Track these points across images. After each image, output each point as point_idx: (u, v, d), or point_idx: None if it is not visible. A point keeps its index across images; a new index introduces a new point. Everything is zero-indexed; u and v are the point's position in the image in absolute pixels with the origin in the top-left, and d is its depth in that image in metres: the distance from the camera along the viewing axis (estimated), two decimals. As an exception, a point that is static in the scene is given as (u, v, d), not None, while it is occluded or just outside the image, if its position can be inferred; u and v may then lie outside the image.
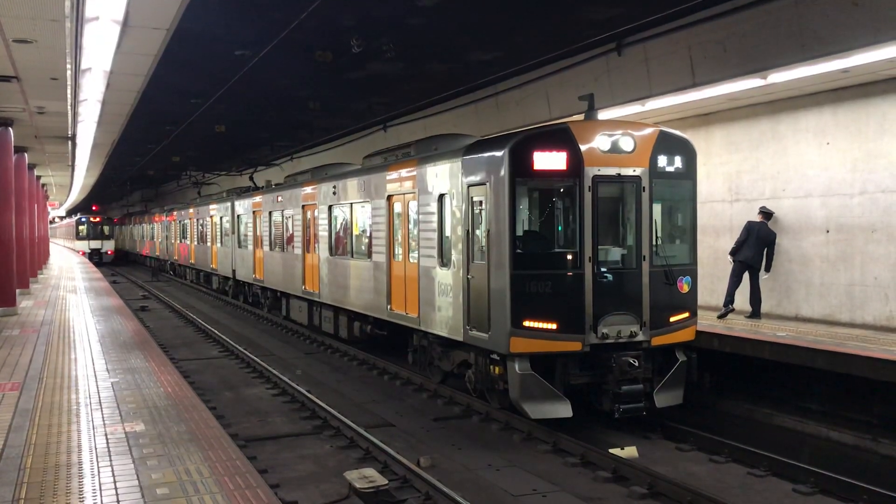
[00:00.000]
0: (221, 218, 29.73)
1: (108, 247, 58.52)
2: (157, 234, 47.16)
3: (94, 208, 64.28)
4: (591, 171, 10.75)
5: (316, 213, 18.86)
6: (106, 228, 59.13)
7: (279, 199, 22.08)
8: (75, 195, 55.91)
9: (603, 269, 10.80)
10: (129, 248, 61.67)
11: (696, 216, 11.93)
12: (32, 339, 14.47)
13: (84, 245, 57.31)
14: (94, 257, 54.90)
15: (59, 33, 10.05)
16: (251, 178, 29.47)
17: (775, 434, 11.08)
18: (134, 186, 55.75)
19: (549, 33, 14.58)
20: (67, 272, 37.07)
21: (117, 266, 56.23)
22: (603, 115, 12.89)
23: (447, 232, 12.23)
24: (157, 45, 11.45)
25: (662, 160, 11.21)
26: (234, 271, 28.01)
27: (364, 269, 15.79)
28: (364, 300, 15.85)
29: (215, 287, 32.46)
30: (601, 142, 10.83)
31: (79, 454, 7.30)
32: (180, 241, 39.48)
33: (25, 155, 23.80)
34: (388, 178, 14.50)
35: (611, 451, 9.97)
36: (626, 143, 10.95)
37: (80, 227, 58.35)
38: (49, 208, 54.68)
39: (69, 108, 15.94)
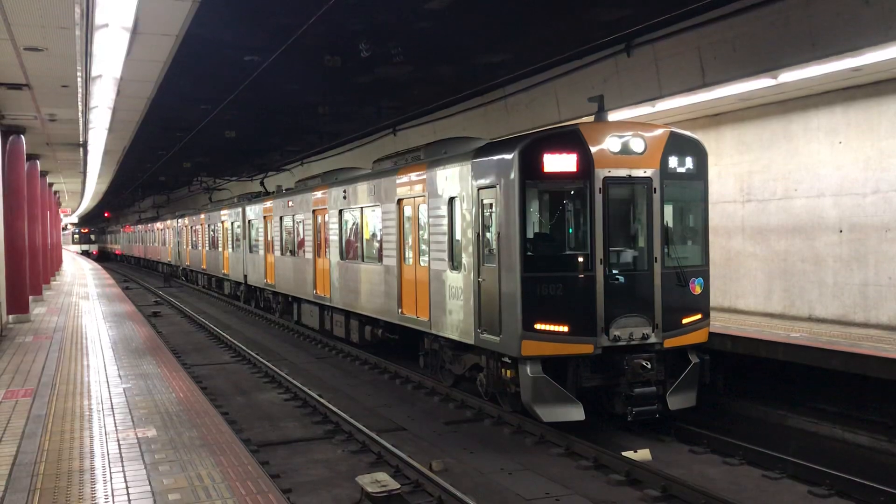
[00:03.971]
0: (233, 223, 29.84)
1: (94, 248, 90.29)
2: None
3: (105, 215, 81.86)
4: (601, 173, 10.71)
5: (326, 218, 18.88)
6: (92, 236, 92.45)
7: (290, 203, 22.12)
8: (87, 202, 56.53)
9: (614, 272, 10.75)
10: (108, 250, 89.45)
11: (708, 217, 11.86)
12: (45, 346, 14.54)
13: (77, 248, 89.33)
14: (85, 254, 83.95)
15: (69, 41, 10.10)
16: (262, 184, 29.55)
17: (790, 436, 10.99)
18: (146, 192, 56.29)
19: (558, 35, 14.54)
20: (80, 278, 37.28)
21: (128, 272, 57.56)
22: (613, 116, 12.86)
23: (457, 235, 12.21)
24: (167, 52, 11.50)
25: (673, 161, 11.16)
26: (245, 276, 28.09)
27: (375, 273, 15.79)
28: (375, 304, 15.85)
29: (227, 292, 32.56)
30: (611, 143, 10.79)
31: (91, 460, 7.32)
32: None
33: (37, 162, 23.96)
34: (398, 181, 14.50)
35: (624, 453, 9.91)
36: (637, 145, 10.90)
37: (75, 236, 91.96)
38: (61, 215, 55.87)
39: (80, 115, 16.04)
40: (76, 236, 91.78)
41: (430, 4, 12.65)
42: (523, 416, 11.25)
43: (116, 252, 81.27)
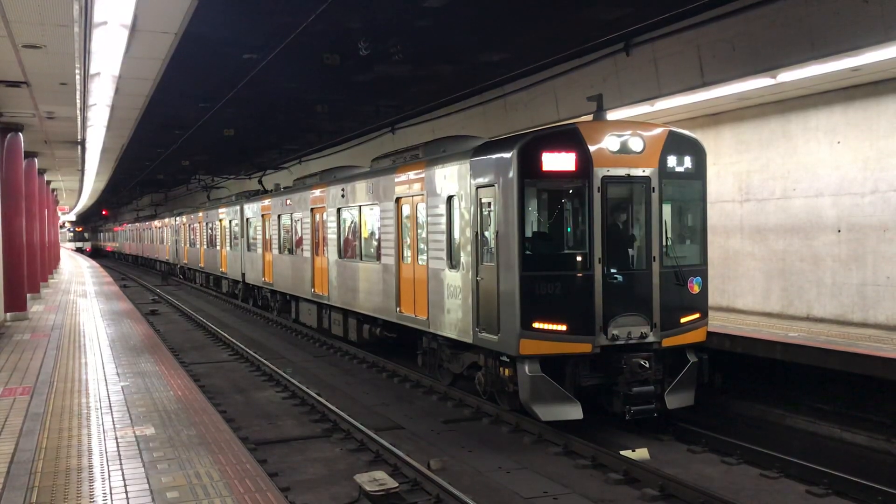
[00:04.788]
0: (231, 221, 29.82)
1: (87, 245, 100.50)
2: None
3: (104, 213, 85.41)
4: (600, 172, 10.71)
5: (325, 216, 18.87)
6: (86, 235, 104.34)
7: (288, 202, 22.11)
8: (85, 200, 56.49)
9: (613, 271, 10.74)
10: (100, 247, 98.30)
11: (707, 216, 11.87)
12: (43, 344, 14.52)
13: (72, 245, 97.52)
14: (79, 251, 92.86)
15: (67, 38, 10.08)
16: (260, 182, 29.53)
17: (788, 435, 11.01)
18: (144, 190, 56.27)
19: (557, 34, 14.53)
20: (77, 276, 37.25)
21: (125, 270, 57.66)
22: (612, 115, 12.85)
23: (456, 234, 12.20)
24: (166, 49, 11.49)
25: (672, 160, 11.16)
26: (243, 275, 28.08)
27: (373, 271, 15.78)
28: (373, 303, 15.84)
29: (225, 291, 32.54)
30: (610, 142, 10.79)
31: (89, 458, 7.32)
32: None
33: (35, 160, 23.93)
34: (396, 180, 14.49)
35: (622, 452, 9.92)
36: (636, 144, 10.90)
37: (69, 234, 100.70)
38: (59, 213, 55.93)
39: (78, 112, 16.02)
40: (70, 234, 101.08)
41: (428, 2, 12.63)
42: (521, 415, 11.25)
43: (108, 249, 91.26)
